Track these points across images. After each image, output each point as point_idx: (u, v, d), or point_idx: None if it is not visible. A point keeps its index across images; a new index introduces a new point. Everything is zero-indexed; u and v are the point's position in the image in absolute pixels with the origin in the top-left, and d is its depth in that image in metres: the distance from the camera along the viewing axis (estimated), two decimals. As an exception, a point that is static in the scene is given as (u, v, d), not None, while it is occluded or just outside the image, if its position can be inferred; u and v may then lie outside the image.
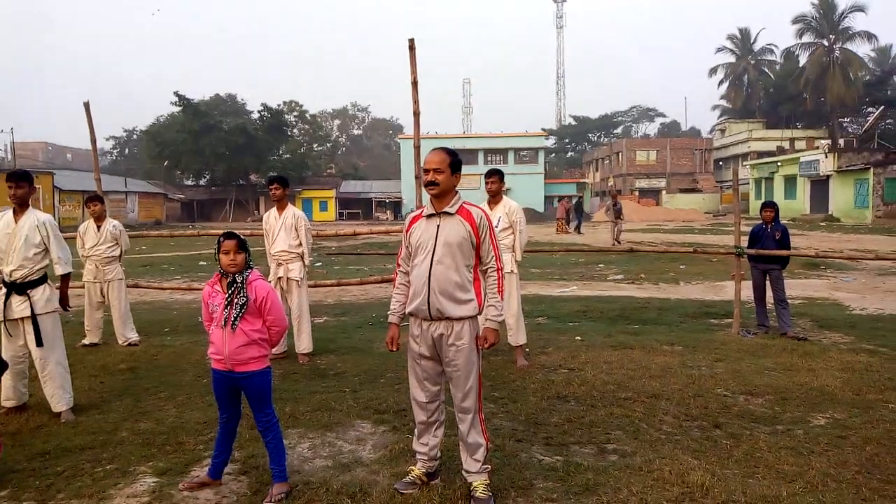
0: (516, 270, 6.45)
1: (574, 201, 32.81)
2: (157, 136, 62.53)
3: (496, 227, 5.91)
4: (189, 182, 67.76)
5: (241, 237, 3.70)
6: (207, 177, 64.78)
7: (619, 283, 13.11)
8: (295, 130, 69.80)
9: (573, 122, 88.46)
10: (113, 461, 4.13)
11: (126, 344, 7.64)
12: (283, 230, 6.90)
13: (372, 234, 11.99)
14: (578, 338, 7.55)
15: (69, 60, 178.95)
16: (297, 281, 6.89)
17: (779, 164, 46.30)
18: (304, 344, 6.82)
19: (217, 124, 59.05)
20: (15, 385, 5.10)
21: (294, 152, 65.76)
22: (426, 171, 3.66)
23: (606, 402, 5.18)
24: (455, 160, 3.71)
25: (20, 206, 5.17)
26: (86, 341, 7.70)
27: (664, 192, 59.37)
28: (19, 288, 5.04)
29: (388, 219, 58.62)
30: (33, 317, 5.02)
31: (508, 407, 5.10)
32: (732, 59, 66.70)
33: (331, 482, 3.73)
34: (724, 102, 71.08)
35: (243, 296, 3.60)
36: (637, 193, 57.98)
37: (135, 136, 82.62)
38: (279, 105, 65.84)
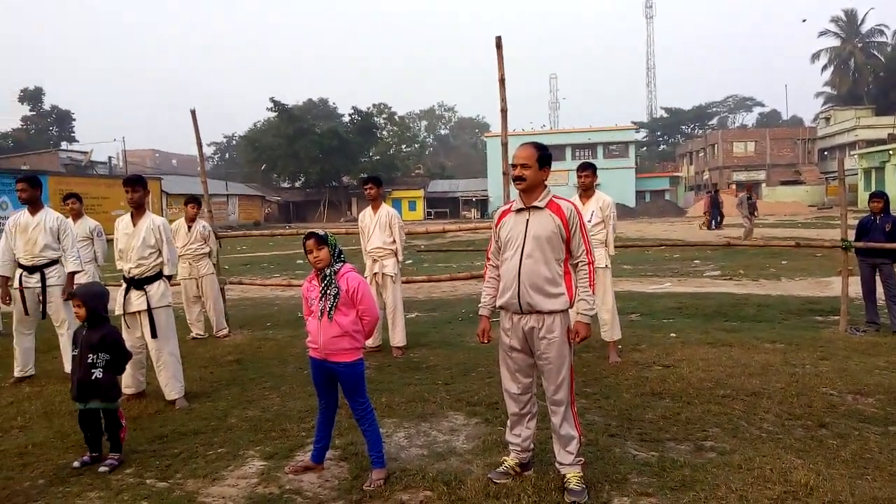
0: (610, 266, 6.38)
1: (710, 195, 30.88)
2: (255, 141, 65.31)
3: (589, 221, 5.88)
4: (285, 184, 70.34)
5: (319, 233, 3.83)
6: (302, 179, 67.00)
7: (716, 280, 12.66)
8: (384, 132, 71.10)
9: (665, 115, 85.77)
10: (224, 445, 4.41)
11: (218, 334, 8.14)
12: (377, 228, 7.11)
13: (460, 231, 12.12)
14: (673, 335, 7.37)
15: (174, 71, 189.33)
16: (392, 276, 7.09)
17: (890, 152, 43.17)
18: (398, 337, 7.01)
19: (310, 128, 61.00)
20: (134, 374, 5.51)
21: (383, 154, 67.06)
22: (514, 166, 3.70)
23: (703, 399, 5.05)
24: (543, 154, 3.72)
25: (137, 209, 5.60)
26: (193, 334, 8.21)
27: (764, 184, 56.63)
28: (137, 283, 5.46)
29: (474, 217, 58.80)
30: (149, 310, 5.43)
31: (601, 402, 5.07)
32: (837, 42, 62.86)
33: (427, 470, 3.84)
34: (828, 89, 67.02)
35: (335, 287, 3.75)
36: (734, 187, 55.56)
37: (234, 142, 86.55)
38: (369, 108, 67.31)
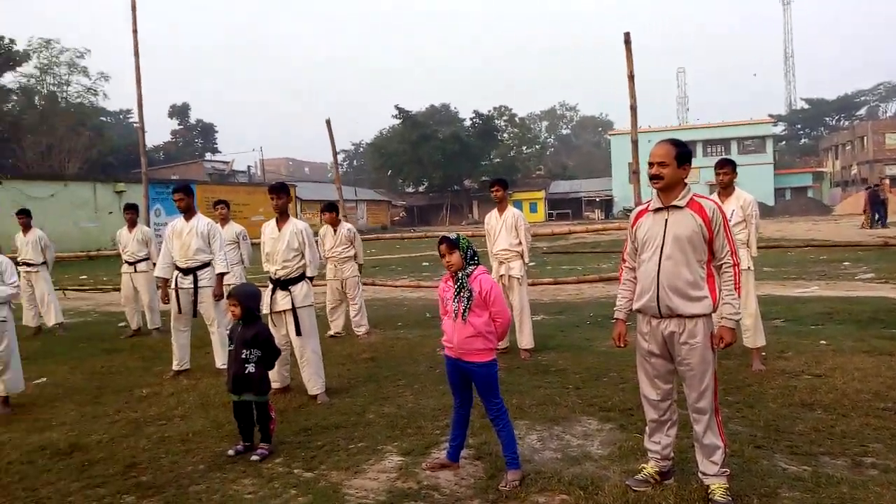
0: (752, 267, 6.05)
1: (870, 191, 28.06)
2: (381, 148, 67.61)
3: (729, 220, 5.60)
4: (409, 189, 72.18)
5: (450, 237, 3.91)
6: (426, 183, 68.52)
7: (870, 283, 11.64)
8: (505, 135, 71.32)
9: (806, 106, 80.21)
10: (363, 439, 4.60)
11: (360, 333, 8.45)
12: (503, 229, 7.14)
13: (586, 232, 11.90)
14: (823, 342, 6.86)
15: (306, 82, 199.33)
16: (518, 279, 7.09)
17: None
18: (525, 340, 7.00)
19: (433, 133, 62.33)
20: (279, 369, 5.85)
21: (504, 156, 67.34)
22: (650, 164, 3.59)
23: (860, 411, 4.66)
24: (681, 152, 3.59)
25: (281, 215, 5.96)
26: (331, 333, 8.59)
27: (923, 179, 51.43)
28: (283, 284, 5.81)
29: (598, 217, 57.61)
30: (294, 309, 5.75)
31: (745, 412, 4.81)
32: None
33: (562, 473, 3.81)
34: None
35: (467, 289, 3.81)
36: (888, 182, 50.83)
37: (361, 149, 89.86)
38: (489, 111, 67.76)
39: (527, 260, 7.25)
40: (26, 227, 10.10)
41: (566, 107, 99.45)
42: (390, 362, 6.97)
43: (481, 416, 4.33)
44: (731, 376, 5.70)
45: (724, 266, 3.52)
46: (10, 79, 46.92)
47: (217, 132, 77.54)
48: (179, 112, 74.79)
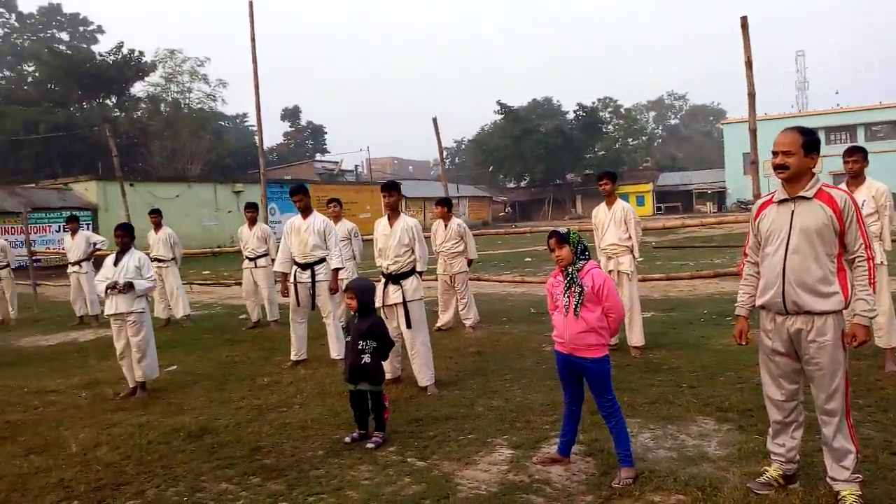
0: (885, 262, 5.64)
1: None
2: (482, 144, 67.64)
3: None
4: (511, 184, 71.93)
5: (560, 231, 3.87)
6: (527, 178, 68.04)
7: None
8: (610, 127, 69.70)
9: (946, 87, 73.27)
10: (473, 432, 4.67)
11: (466, 324, 8.57)
12: (612, 224, 7.00)
13: (701, 226, 11.44)
14: (968, 343, 6.29)
15: (410, 83, 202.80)
16: (628, 274, 6.94)
17: None
18: (635, 337, 6.85)
19: (535, 128, 61.72)
20: (391, 361, 6.01)
21: (609, 148, 65.80)
22: (775, 153, 3.43)
23: None
24: (809, 140, 3.39)
25: (392, 212, 6.14)
26: (438, 325, 8.73)
27: None
28: (394, 279, 5.98)
29: (710, 211, 55.21)
30: (404, 303, 5.91)
31: (877, 416, 4.50)
32: None
33: (678, 473, 3.71)
34: None
35: (578, 284, 3.77)
36: None
37: (462, 146, 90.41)
38: (594, 103, 66.38)
39: (637, 254, 7.09)
40: (157, 226, 10.89)
41: (675, 96, 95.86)
42: (496, 356, 7.02)
43: (592, 413, 4.28)
44: (862, 378, 5.34)
45: (857, 260, 3.31)
46: (139, 88, 50.93)
47: (326, 133, 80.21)
48: (291, 115, 77.91)
